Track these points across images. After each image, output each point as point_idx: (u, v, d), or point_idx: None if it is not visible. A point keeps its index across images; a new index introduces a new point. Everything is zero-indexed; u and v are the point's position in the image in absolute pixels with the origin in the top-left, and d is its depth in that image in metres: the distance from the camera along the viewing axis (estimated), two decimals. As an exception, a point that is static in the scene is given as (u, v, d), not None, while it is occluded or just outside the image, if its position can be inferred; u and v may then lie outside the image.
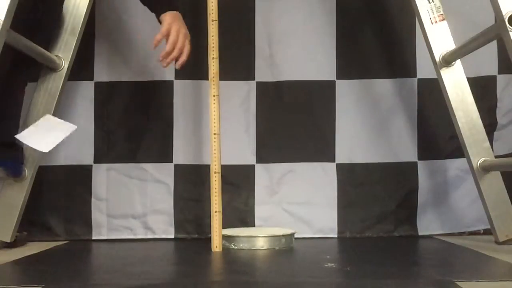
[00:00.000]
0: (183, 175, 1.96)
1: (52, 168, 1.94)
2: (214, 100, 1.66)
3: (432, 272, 1.34)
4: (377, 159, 1.98)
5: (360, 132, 1.99)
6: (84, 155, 1.95)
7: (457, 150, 1.88)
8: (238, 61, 1.97)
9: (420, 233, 1.95)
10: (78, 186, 1.95)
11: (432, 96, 1.95)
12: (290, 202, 1.97)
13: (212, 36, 1.65)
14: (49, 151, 1.89)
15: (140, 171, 1.96)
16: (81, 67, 1.91)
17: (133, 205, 1.96)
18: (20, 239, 1.75)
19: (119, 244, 1.89)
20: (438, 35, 1.75)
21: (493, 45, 1.89)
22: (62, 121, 1.68)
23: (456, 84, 1.74)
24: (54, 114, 1.75)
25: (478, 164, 1.71)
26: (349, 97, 1.99)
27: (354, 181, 1.98)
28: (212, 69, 1.66)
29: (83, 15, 1.79)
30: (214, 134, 1.66)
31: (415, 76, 1.98)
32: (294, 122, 1.99)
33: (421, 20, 1.75)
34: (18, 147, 1.68)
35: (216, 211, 1.64)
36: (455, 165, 1.96)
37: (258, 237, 1.71)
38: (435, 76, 1.79)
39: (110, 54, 1.97)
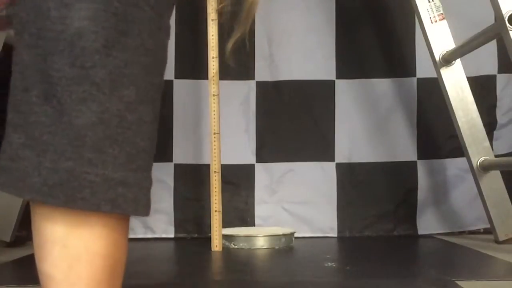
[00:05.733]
0: (183, 174, 1.96)
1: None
2: (214, 99, 1.66)
3: (432, 271, 1.34)
4: (377, 159, 1.98)
5: (359, 131, 1.99)
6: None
7: (457, 149, 1.89)
8: (238, 61, 1.97)
9: (420, 232, 1.95)
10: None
11: (431, 95, 1.95)
12: (289, 202, 1.97)
13: (212, 35, 1.65)
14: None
15: (140, 170, 1.96)
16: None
17: (133, 204, 1.95)
18: (20, 239, 1.75)
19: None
20: (437, 34, 1.75)
21: (493, 44, 1.89)
22: None
23: (456, 83, 1.74)
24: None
25: (478, 164, 1.71)
26: (348, 96, 1.99)
27: (353, 181, 1.98)
28: (212, 68, 1.66)
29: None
30: (214, 133, 1.66)
31: (415, 76, 1.98)
32: (293, 122, 1.99)
33: (421, 19, 1.75)
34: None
35: (216, 211, 1.64)
36: (454, 165, 1.96)
37: (258, 237, 1.71)
38: (434, 76, 1.79)
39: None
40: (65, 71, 0.55)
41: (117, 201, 0.56)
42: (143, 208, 0.59)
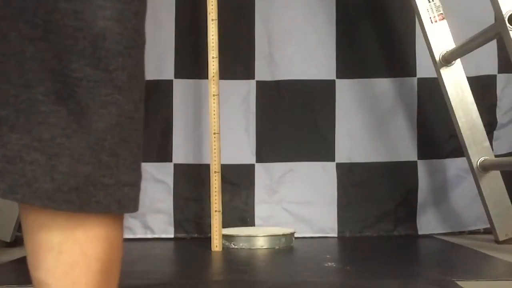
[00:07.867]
0: (183, 174, 1.96)
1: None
2: (214, 99, 1.66)
3: (432, 271, 1.34)
4: (377, 159, 1.98)
5: (360, 131, 1.99)
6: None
7: (457, 149, 1.88)
8: (238, 60, 1.97)
9: (420, 232, 1.95)
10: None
11: (432, 95, 1.95)
12: (290, 202, 1.97)
13: (212, 35, 1.65)
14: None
15: (140, 170, 1.96)
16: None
17: (132, 204, 1.95)
18: (20, 239, 1.75)
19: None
20: (438, 34, 1.75)
21: (493, 44, 1.89)
22: None
23: (456, 83, 1.74)
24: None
25: (478, 164, 1.71)
26: (349, 96, 1.99)
27: (354, 181, 1.98)
28: (212, 68, 1.66)
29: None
30: (214, 133, 1.65)
31: (415, 76, 1.98)
32: (294, 122, 1.99)
33: (421, 19, 1.75)
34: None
35: (216, 211, 1.64)
36: (455, 165, 1.96)
37: (258, 237, 1.71)
38: (435, 76, 1.79)
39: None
40: (86, 72, 0.52)
41: (123, 201, 0.56)
42: (137, 205, 0.58)
